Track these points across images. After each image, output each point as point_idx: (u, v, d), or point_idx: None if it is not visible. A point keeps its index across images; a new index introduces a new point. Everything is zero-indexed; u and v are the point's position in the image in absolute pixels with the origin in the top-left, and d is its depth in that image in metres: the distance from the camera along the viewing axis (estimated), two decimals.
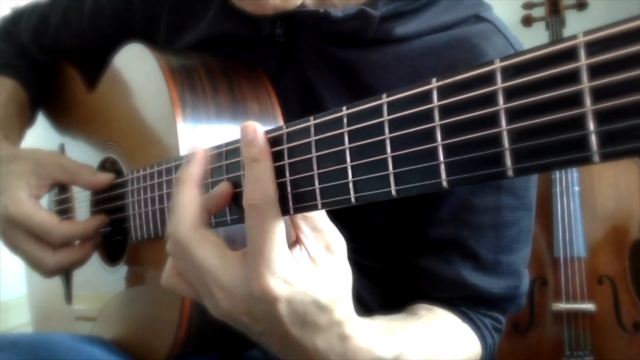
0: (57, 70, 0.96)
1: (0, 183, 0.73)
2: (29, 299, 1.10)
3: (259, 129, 0.44)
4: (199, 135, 0.62)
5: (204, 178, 0.49)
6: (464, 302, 0.69)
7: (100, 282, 0.80)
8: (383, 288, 0.75)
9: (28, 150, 0.81)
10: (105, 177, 0.74)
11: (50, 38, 0.92)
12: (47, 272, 0.73)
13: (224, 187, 0.48)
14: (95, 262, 0.80)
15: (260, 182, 0.43)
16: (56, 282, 0.92)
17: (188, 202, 0.46)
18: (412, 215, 0.68)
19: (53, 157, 0.77)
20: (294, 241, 0.45)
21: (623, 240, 1.57)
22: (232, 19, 0.70)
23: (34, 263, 0.73)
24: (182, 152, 0.60)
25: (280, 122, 0.68)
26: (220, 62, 0.71)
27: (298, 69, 0.70)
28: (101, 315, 0.80)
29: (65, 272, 0.80)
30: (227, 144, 0.49)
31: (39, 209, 0.72)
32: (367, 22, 0.64)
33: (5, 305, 1.76)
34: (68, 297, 0.91)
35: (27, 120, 0.94)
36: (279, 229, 0.43)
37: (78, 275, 0.88)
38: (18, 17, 0.96)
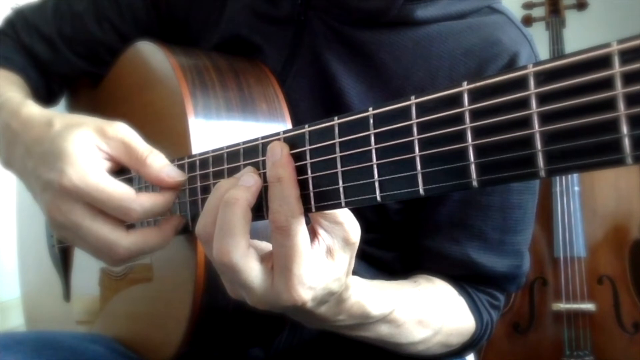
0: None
1: (55, 147, 0.56)
2: (23, 299, 1.08)
3: (285, 150, 0.44)
4: (210, 132, 0.63)
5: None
6: (466, 279, 0.72)
7: (101, 279, 0.80)
8: (391, 279, 0.76)
9: (79, 116, 0.62)
10: (179, 174, 0.56)
11: (74, 26, 0.83)
12: (119, 258, 0.56)
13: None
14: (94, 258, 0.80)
15: (285, 203, 0.43)
16: (53, 279, 0.92)
17: (241, 226, 0.45)
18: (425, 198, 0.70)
19: (118, 131, 0.57)
20: (312, 236, 0.46)
21: (623, 240, 1.59)
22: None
23: (102, 246, 0.56)
24: (194, 149, 0.60)
25: (288, 121, 0.68)
26: (228, 61, 0.72)
27: (313, 51, 0.71)
28: (103, 313, 0.80)
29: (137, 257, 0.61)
30: (244, 143, 0.49)
31: (110, 179, 0.55)
32: (392, 1, 0.66)
33: (5, 305, 1.75)
34: (66, 294, 0.90)
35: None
36: (304, 242, 0.44)
37: (76, 272, 0.87)
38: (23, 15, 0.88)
